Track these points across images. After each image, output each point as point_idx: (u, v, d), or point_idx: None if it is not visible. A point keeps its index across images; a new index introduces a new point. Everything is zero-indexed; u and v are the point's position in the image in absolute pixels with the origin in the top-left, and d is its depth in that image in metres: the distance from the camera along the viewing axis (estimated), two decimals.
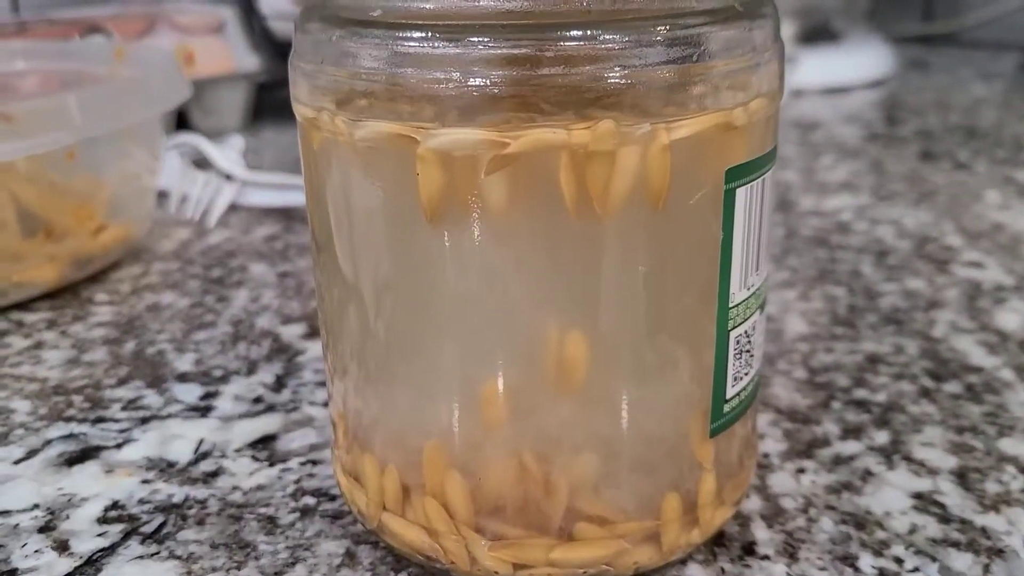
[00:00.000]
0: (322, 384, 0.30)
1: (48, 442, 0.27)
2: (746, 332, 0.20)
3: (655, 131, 0.17)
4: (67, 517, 0.24)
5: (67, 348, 0.32)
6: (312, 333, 0.33)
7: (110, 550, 0.23)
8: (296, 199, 0.45)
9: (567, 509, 0.20)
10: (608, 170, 0.17)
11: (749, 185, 0.19)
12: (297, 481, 0.25)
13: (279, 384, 0.30)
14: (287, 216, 0.45)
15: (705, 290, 0.19)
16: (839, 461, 0.25)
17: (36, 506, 0.24)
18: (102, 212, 0.38)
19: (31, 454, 0.27)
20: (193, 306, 0.36)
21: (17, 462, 0.26)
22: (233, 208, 0.46)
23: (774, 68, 0.19)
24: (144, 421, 0.28)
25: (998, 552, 0.22)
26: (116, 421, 0.28)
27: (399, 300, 0.19)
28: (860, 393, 0.29)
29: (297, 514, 0.24)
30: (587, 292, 0.18)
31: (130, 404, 0.29)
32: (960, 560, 0.22)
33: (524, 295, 0.18)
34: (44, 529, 0.23)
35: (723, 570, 0.21)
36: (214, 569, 0.22)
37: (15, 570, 0.22)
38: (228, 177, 0.47)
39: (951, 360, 0.30)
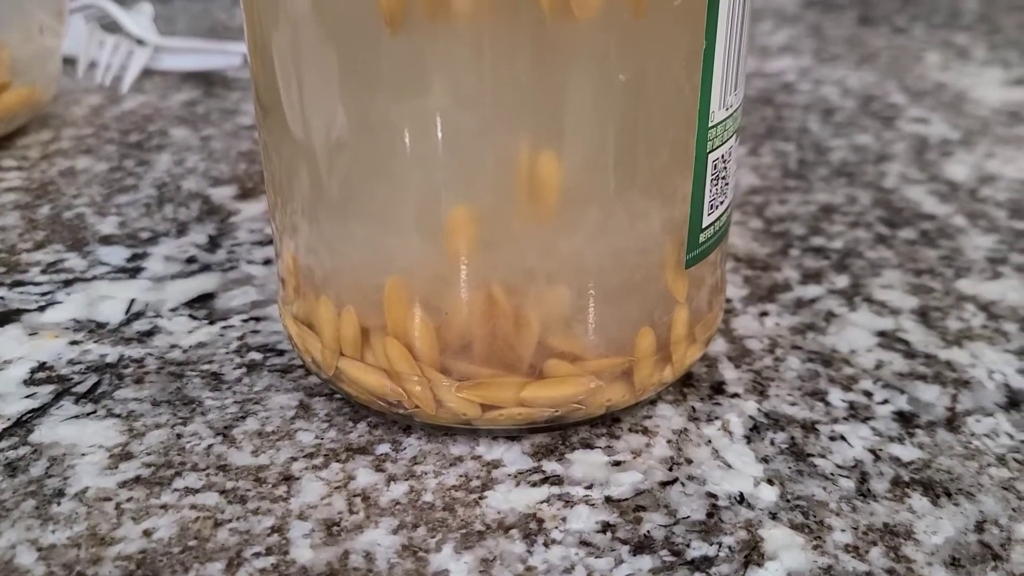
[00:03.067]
0: (260, 243, 0.28)
1: None
2: (723, 156, 0.19)
3: None
4: None
5: None
6: (244, 194, 0.31)
7: (41, 411, 0.21)
8: (215, 63, 0.42)
9: (538, 345, 0.19)
10: None
11: None
12: (241, 338, 0.23)
13: (213, 244, 0.28)
14: (206, 81, 0.42)
15: (686, 106, 0.18)
16: (801, 304, 0.25)
17: None
18: (3, 73, 0.34)
19: None
20: (112, 170, 0.33)
21: None
22: (147, 74, 0.43)
23: None
24: (67, 284, 0.26)
25: (964, 383, 0.22)
26: (36, 284, 0.26)
27: (358, 121, 0.17)
28: (817, 241, 0.28)
29: (243, 369, 0.22)
30: (561, 106, 0.17)
31: (50, 267, 0.27)
32: (928, 392, 0.21)
33: (493, 111, 0.17)
34: None
35: (694, 409, 0.21)
36: (158, 426, 0.20)
37: None
38: (139, 42, 0.44)
39: (904, 208, 0.30)
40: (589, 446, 0.20)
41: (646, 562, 0.17)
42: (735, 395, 0.21)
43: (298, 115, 0.18)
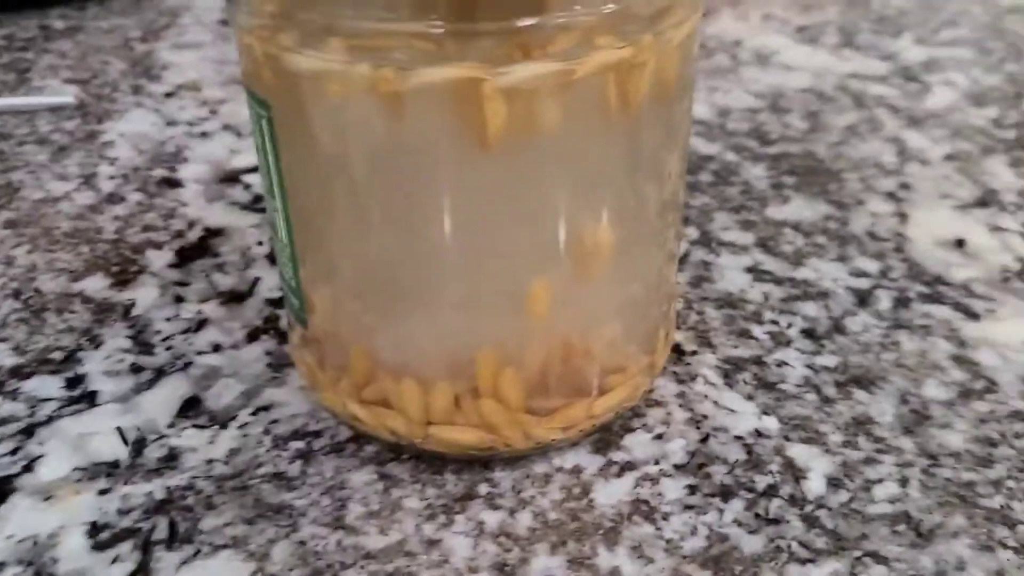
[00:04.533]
0: (188, 331, 0.28)
1: None
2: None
3: (671, 36, 0.19)
4: (55, 560, 0.21)
5: None
6: (119, 282, 0.30)
7: (142, 570, 0.21)
8: None
9: (600, 369, 0.23)
10: (641, 76, 0.19)
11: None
12: (266, 432, 0.24)
13: (142, 345, 0.27)
14: None
15: (680, 163, 0.22)
16: (682, 260, 0.31)
17: (3, 564, 0.21)
18: None
19: None
20: None
21: None
22: None
23: None
24: (27, 433, 0.24)
25: (824, 295, 0.29)
26: None
27: (438, 223, 0.20)
28: None
29: (300, 462, 0.24)
30: (614, 186, 0.21)
31: None
32: (809, 308, 0.29)
33: (566, 199, 0.20)
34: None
35: (675, 373, 0.26)
36: (271, 541, 0.22)
37: None
38: None
39: (689, 152, 0.37)
40: (630, 430, 0.24)
41: (737, 504, 0.22)
42: (693, 352, 0.27)
43: (382, 229, 0.20)
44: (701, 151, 0.37)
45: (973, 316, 0.28)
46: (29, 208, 0.34)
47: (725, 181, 0.35)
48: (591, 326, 0.22)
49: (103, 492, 0.23)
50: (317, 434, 0.24)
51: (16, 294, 0.29)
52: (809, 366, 0.27)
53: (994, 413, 0.25)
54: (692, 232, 0.32)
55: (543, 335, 0.22)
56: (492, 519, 0.22)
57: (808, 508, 0.22)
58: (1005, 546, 0.21)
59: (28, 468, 0.23)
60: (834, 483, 0.23)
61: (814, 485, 0.23)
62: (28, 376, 0.26)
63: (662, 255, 0.23)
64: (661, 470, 0.23)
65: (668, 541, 0.22)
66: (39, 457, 0.24)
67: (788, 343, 0.27)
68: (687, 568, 0.21)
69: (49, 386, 0.26)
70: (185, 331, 0.28)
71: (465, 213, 0.20)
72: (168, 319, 0.28)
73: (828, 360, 0.27)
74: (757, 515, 0.22)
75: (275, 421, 0.25)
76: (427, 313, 0.21)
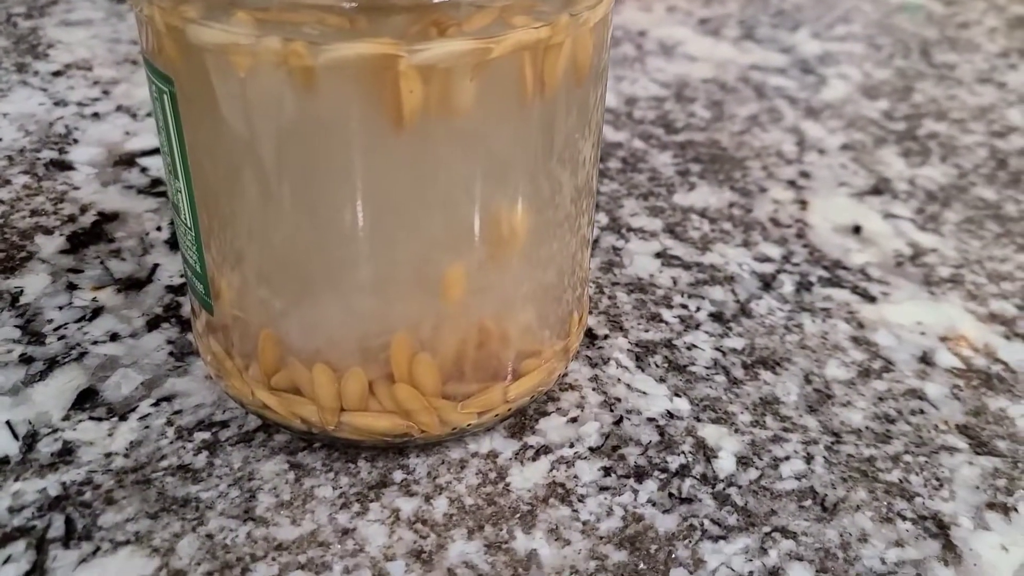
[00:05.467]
0: (81, 319, 0.26)
1: None
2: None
3: (586, 18, 0.19)
4: None
5: None
6: (4, 268, 0.28)
7: (37, 570, 0.20)
8: None
9: (516, 354, 0.23)
10: (557, 57, 0.19)
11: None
12: (169, 423, 0.23)
13: (31, 334, 0.26)
14: None
15: (593, 150, 0.22)
16: (591, 246, 0.31)
17: None
18: None
19: None
20: None
21: None
22: None
23: None
24: None
25: (731, 279, 0.30)
26: None
27: (349, 205, 0.19)
28: None
29: (205, 453, 0.23)
30: (529, 170, 0.20)
31: None
32: (716, 292, 0.29)
33: (481, 183, 0.20)
34: None
35: (588, 357, 0.26)
36: (177, 536, 0.21)
37: None
38: None
39: None
40: (545, 414, 0.24)
41: (651, 485, 0.23)
42: (606, 336, 0.27)
43: (296, 212, 0.19)
44: (610, 138, 0.38)
45: (870, 299, 0.29)
46: None
47: (633, 168, 0.36)
48: (506, 311, 0.22)
49: None
50: (224, 424, 0.24)
51: None
52: (718, 348, 0.27)
53: (891, 391, 0.26)
54: (602, 218, 0.33)
55: (458, 320, 0.21)
56: (408, 506, 0.22)
57: (719, 487, 0.23)
58: (904, 517, 0.22)
59: None
60: (743, 461, 0.23)
61: (724, 464, 0.23)
62: None
63: (576, 241, 0.23)
64: (576, 453, 0.23)
65: (584, 523, 0.22)
66: None
67: (697, 326, 0.28)
68: (603, 548, 0.21)
69: None
70: (79, 319, 0.27)
71: (378, 195, 0.19)
72: (60, 307, 0.27)
73: (735, 342, 0.27)
74: (671, 495, 0.22)
75: (178, 412, 0.24)
76: (339, 298, 0.21)
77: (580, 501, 0.22)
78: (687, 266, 0.30)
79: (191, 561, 0.20)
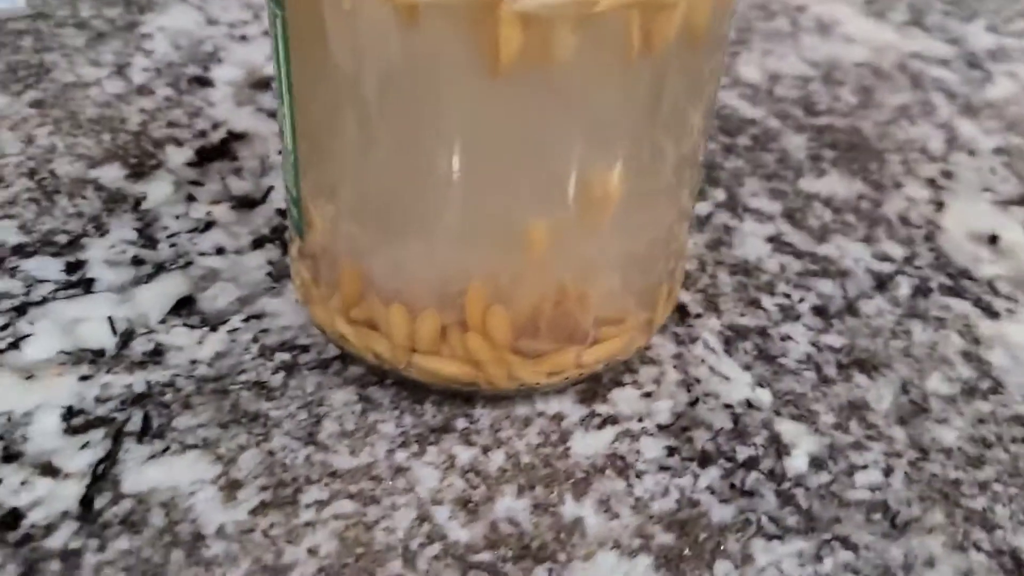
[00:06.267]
0: (195, 230, 0.28)
1: None
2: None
3: None
4: (25, 439, 0.21)
5: None
6: (135, 174, 0.30)
7: (109, 459, 0.21)
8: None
9: (594, 319, 0.22)
10: (670, 18, 0.18)
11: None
12: (255, 340, 0.24)
13: (147, 239, 0.27)
14: None
15: (704, 119, 0.21)
16: (702, 222, 0.30)
17: None
18: None
19: None
20: None
21: None
22: None
23: None
24: (19, 311, 0.25)
25: (843, 274, 0.28)
26: None
27: (443, 148, 0.19)
28: None
29: (283, 374, 0.23)
30: (631, 133, 0.20)
31: None
32: (824, 285, 0.28)
33: (576, 140, 0.19)
34: (9, 458, 0.21)
35: (676, 334, 0.26)
36: (242, 448, 0.22)
37: (15, 510, 0.20)
38: None
39: (729, 115, 0.36)
40: (620, 384, 0.24)
41: (714, 472, 0.22)
42: (698, 315, 0.26)
43: (378, 156, 0.20)
44: (744, 114, 0.36)
45: (992, 314, 0.27)
46: (57, 90, 0.34)
47: (763, 147, 0.34)
48: (589, 274, 0.21)
49: (84, 378, 0.23)
50: (305, 348, 0.24)
51: (31, 174, 0.29)
52: (814, 343, 0.26)
53: (994, 414, 0.24)
54: (719, 195, 0.31)
55: (537, 277, 0.21)
56: (465, 455, 0.22)
57: (785, 485, 0.22)
58: (979, 548, 0.21)
59: (15, 345, 0.24)
60: (816, 463, 0.22)
61: (796, 463, 0.22)
62: (30, 255, 0.26)
63: (674, 212, 0.22)
64: (643, 428, 0.23)
65: (637, 499, 0.21)
66: (27, 336, 0.24)
67: (796, 318, 0.27)
68: (651, 528, 0.20)
69: (48, 268, 0.26)
70: (192, 230, 0.28)
71: (470, 140, 0.19)
72: (177, 217, 0.28)
73: (834, 340, 0.26)
74: (732, 485, 0.22)
75: (265, 330, 0.25)
76: (422, 240, 0.21)
77: (637, 477, 0.22)
78: (799, 254, 0.29)
79: (249, 474, 0.21)
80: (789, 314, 0.27)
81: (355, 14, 0.18)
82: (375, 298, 0.22)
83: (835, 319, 0.27)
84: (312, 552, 0.20)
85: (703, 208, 0.31)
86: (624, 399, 0.24)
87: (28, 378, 0.23)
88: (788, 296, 0.27)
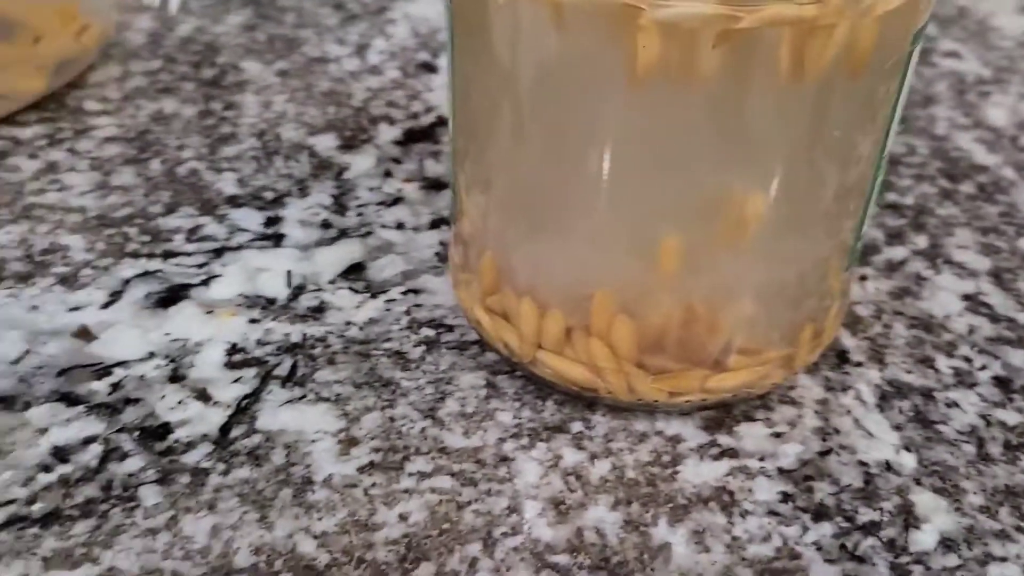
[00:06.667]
0: (383, 203, 0.30)
1: (126, 282, 0.26)
2: (882, 180, 0.22)
3: (871, 4, 0.17)
4: (191, 364, 0.24)
5: (87, 170, 0.30)
6: (347, 145, 0.32)
7: (254, 396, 0.23)
8: None
9: (724, 345, 0.22)
10: (825, 41, 0.17)
11: (919, 44, 0.20)
12: (407, 312, 0.26)
13: (339, 205, 0.30)
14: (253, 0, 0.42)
15: (876, 148, 0.20)
16: (892, 267, 0.28)
17: (152, 354, 0.24)
18: (75, 11, 0.34)
19: (115, 296, 0.26)
20: (202, 115, 0.34)
21: (104, 306, 0.25)
22: None
23: None
24: (217, 254, 0.27)
25: None
26: (188, 255, 0.27)
27: (569, 140, 0.19)
28: (891, 196, 0.31)
29: (423, 347, 0.25)
30: (777, 157, 0.19)
31: (192, 235, 0.28)
32: (1017, 357, 0.25)
33: (718, 159, 0.19)
34: (175, 379, 0.24)
35: (827, 379, 0.24)
36: (368, 409, 0.23)
37: (167, 424, 0.22)
38: None
39: (960, 159, 0.33)
40: (751, 419, 0.23)
41: (827, 528, 0.21)
42: (859, 363, 0.25)
43: (525, 169, 0.20)
44: (976, 159, 0.33)
45: None
46: (303, 63, 0.37)
47: (989, 198, 0.31)
48: (723, 298, 0.21)
49: (253, 321, 0.25)
50: (449, 328, 0.25)
51: (260, 135, 0.33)
52: (984, 416, 0.23)
53: None
54: (921, 241, 0.29)
55: (666, 293, 0.21)
56: (571, 457, 0.22)
57: (904, 559, 0.20)
58: None
59: (205, 283, 0.26)
60: (948, 544, 0.20)
61: (924, 538, 0.20)
62: (239, 206, 0.29)
63: (830, 244, 0.21)
64: (762, 468, 0.22)
65: (735, 538, 0.20)
66: (217, 276, 0.27)
67: (972, 385, 0.24)
68: (741, 570, 0.20)
69: (251, 219, 0.29)
70: (380, 203, 0.30)
71: (610, 145, 0.19)
72: (371, 189, 0.30)
73: (1010, 417, 0.23)
74: (843, 546, 0.20)
75: (419, 305, 0.26)
76: (557, 238, 0.21)
77: (742, 516, 0.21)
78: (996, 318, 0.26)
79: (367, 434, 0.22)
80: (964, 380, 0.24)
81: (510, 8, 0.19)
82: (509, 290, 0.22)
83: (1017, 395, 0.24)
84: (403, 517, 0.20)
85: (897, 253, 0.28)
86: (751, 435, 0.23)
87: (208, 313, 0.25)
88: (969, 360, 0.25)
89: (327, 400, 0.23)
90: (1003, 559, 0.20)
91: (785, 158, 0.19)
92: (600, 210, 0.20)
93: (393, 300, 0.26)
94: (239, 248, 0.28)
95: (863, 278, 0.28)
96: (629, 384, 0.22)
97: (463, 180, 0.23)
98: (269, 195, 0.30)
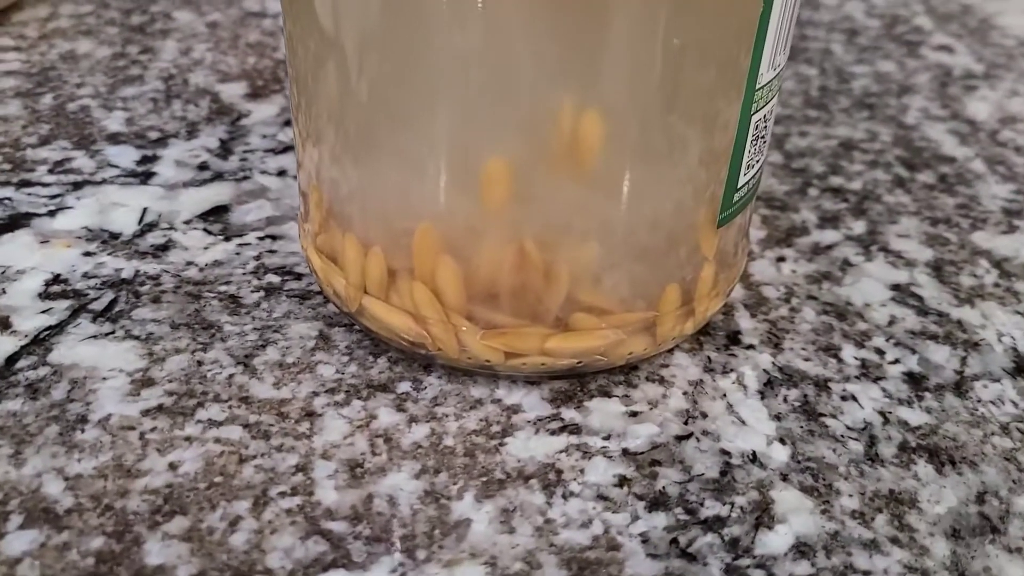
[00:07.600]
0: (272, 151, 0.27)
1: None
2: (765, 116, 0.19)
3: None
4: (2, 292, 0.22)
5: None
6: (255, 93, 0.30)
7: (58, 328, 0.21)
8: None
9: (565, 299, 0.19)
10: None
11: None
12: (257, 257, 0.23)
13: (225, 149, 0.27)
14: None
15: (737, 70, 0.17)
16: (818, 251, 0.25)
17: None
18: None
19: None
20: (115, 57, 0.32)
21: None
22: None
23: None
24: (76, 186, 0.25)
25: (974, 345, 0.22)
26: (44, 185, 0.25)
27: (389, 57, 0.17)
28: (836, 180, 0.28)
29: (261, 293, 0.22)
30: (612, 67, 0.16)
31: (58, 167, 0.26)
32: (938, 352, 0.22)
33: (543, 66, 0.16)
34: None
35: (709, 359, 0.21)
36: (178, 351, 0.20)
37: None
38: None
39: (924, 149, 0.30)
40: (607, 394, 0.20)
41: (660, 519, 0.17)
42: (750, 346, 0.22)
43: (345, 54, 0.18)
44: (943, 151, 0.30)
45: None
46: (238, 17, 0.35)
47: (948, 189, 0.28)
48: (557, 238, 0.18)
49: (86, 255, 0.23)
50: (297, 276, 0.23)
51: (167, 79, 0.31)
52: (882, 413, 0.20)
53: None
54: (858, 227, 0.26)
55: (494, 228, 0.18)
56: (387, 419, 0.19)
57: (744, 561, 0.17)
58: None
59: (51, 213, 0.24)
60: (802, 551, 0.17)
61: (775, 541, 0.17)
62: (118, 143, 0.27)
63: (691, 189, 0.18)
64: (604, 448, 0.19)
65: (548, 521, 0.17)
66: (68, 208, 0.25)
67: (877, 379, 0.21)
68: (543, 556, 0.17)
69: (125, 156, 0.27)
70: (269, 150, 0.27)
71: (427, 56, 0.16)
72: (264, 136, 0.28)
73: (914, 416, 0.20)
74: (674, 541, 0.17)
75: (273, 251, 0.24)
76: (372, 163, 0.18)
77: (563, 498, 0.18)
78: (924, 312, 0.23)
79: (166, 376, 0.20)
80: (870, 373, 0.21)
81: None
82: (334, 227, 0.20)
83: (928, 393, 0.21)
84: (172, 467, 0.18)
85: (827, 237, 0.25)
86: (601, 411, 0.20)
87: (43, 243, 0.23)
88: (881, 353, 0.22)
89: (136, 338, 0.21)
90: (866, 572, 0.17)
91: (622, 71, 0.16)
92: (417, 129, 0.17)
93: (247, 244, 0.24)
94: (102, 183, 0.26)
95: (780, 259, 0.24)
96: (459, 339, 0.19)
97: (295, 101, 0.20)
98: (154, 135, 0.28)
